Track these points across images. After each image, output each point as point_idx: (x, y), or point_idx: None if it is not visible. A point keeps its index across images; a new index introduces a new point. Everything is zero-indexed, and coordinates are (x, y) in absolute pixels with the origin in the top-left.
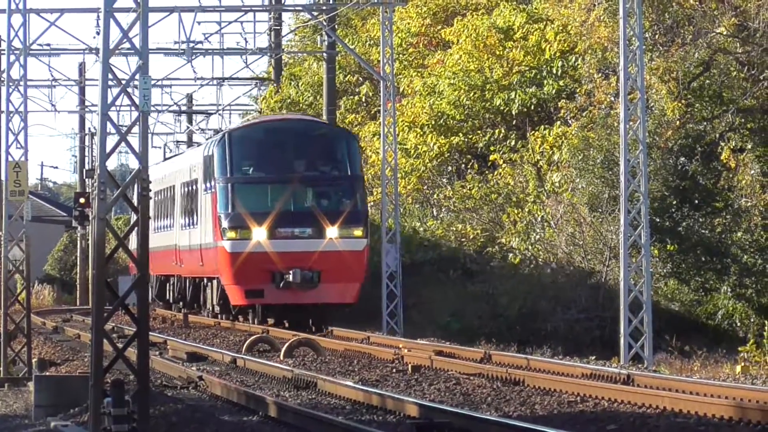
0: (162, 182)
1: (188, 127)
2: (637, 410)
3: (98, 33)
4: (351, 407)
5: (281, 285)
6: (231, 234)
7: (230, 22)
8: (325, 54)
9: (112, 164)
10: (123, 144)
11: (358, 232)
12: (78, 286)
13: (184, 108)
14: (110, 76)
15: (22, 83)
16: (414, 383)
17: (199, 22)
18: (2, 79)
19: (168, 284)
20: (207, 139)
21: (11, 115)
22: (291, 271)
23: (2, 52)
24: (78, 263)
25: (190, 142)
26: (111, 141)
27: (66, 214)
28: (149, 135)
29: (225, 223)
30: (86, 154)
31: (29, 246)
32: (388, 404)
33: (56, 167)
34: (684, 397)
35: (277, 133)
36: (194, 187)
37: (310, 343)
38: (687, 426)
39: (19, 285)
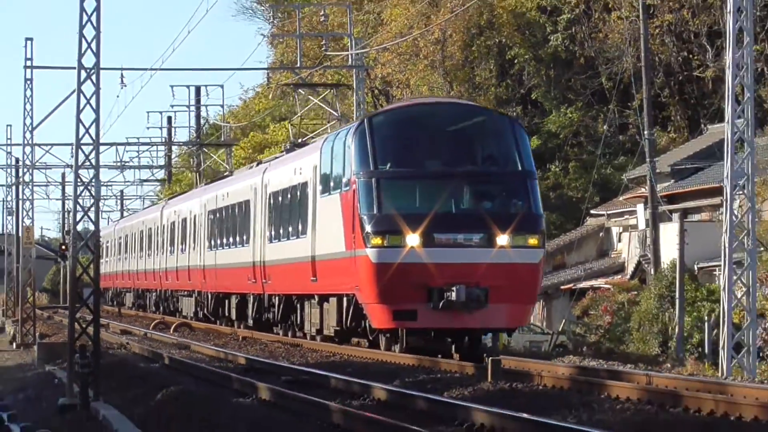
0: (224, 200)
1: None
2: (362, 360)
3: (72, 155)
4: (209, 359)
5: (440, 305)
6: (377, 240)
7: (144, 151)
8: (195, 169)
9: (80, 227)
10: (86, 217)
11: (533, 240)
12: (61, 294)
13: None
14: (79, 180)
15: (30, 186)
16: (243, 346)
17: (127, 151)
18: (19, 181)
19: (228, 302)
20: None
21: (24, 201)
22: (454, 288)
23: (19, 166)
24: (61, 281)
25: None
26: (79, 215)
27: (55, 254)
28: (100, 212)
29: (369, 227)
30: (66, 222)
31: (34, 271)
32: (229, 357)
33: (49, 229)
34: (381, 353)
35: (429, 118)
36: (298, 194)
37: (187, 324)
38: (386, 365)
39: (29, 293)
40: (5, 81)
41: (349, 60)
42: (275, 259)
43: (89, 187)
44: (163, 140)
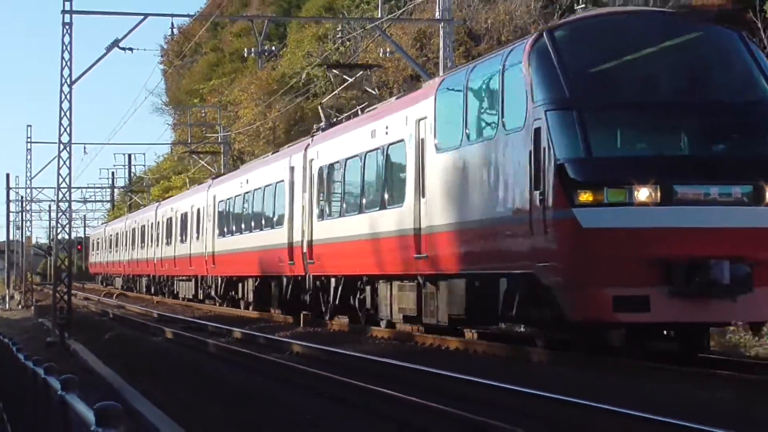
0: (242, 187)
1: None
2: (229, 315)
3: (55, 194)
4: (136, 314)
5: (690, 288)
6: (587, 195)
7: (98, 192)
8: (128, 203)
9: (59, 237)
10: (63, 231)
11: None
12: (48, 276)
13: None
14: (59, 210)
15: (29, 212)
16: (156, 306)
17: (87, 191)
18: (23, 209)
19: (243, 284)
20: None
21: (26, 221)
22: (714, 264)
23: (23, 200)
24: (48, 268)
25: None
26: (59, 230)
27: (44, 252)
28: (72, 228)
29: (576, 176)
30: (51, 233)
31: (32, 263)
32: (148, 313)
33: (40, 237)
34: (240, 311)
35: (632, 31)
36: (380, 159)
37: (122, 295)
38: (242, 318)
39: (29, 276)
40: (13, 150)
41: (219, 138)
42: (330, 237)
43: (65, 214)
44: (109, 185)
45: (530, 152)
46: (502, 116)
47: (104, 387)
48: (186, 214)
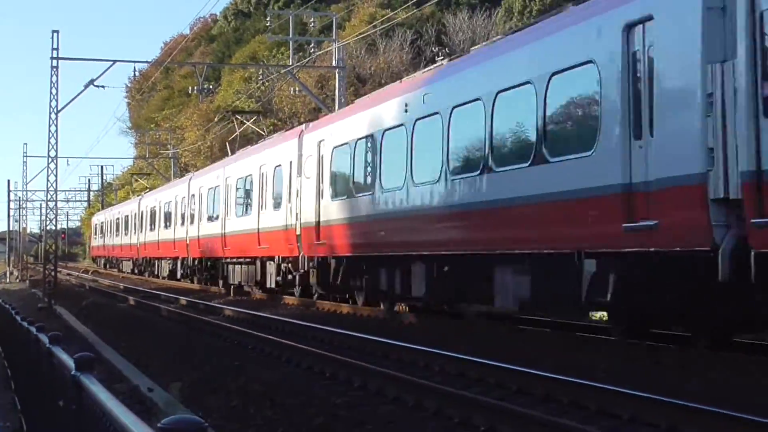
0: (417, 107)
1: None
2: (177, 287)
3: (45, 196)
4: (107, 286)
5: None
6: None
7: (78, 193)
8: (101, 203)
9: (48, 228)
10: (50, 222)
11: None
12: (40, 257)
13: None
14: (50, 207)
15: (26, 209)
16: (122, 281)
17: (69, 194)
18: (21, 206)
19: (396, 269)
20: None
21: (24, 216)
22: None
23: (20, 200)
24: (40, 251)
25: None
26: (48, 222)
27: (37, 239)
28: (57, 222)
29: None
30: (42, 225)
31: (26, 247)
32: (116, 285)
33: (34, 228)
34: (186, 284)
35: None
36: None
37: (97, 271)
38: (189, 289)
39: (25, 257)
40: (12, 161)
41: (170, 154)
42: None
43: (52, 210)
44: (86, 189)
45: None
46: None
47: (82, 341)
48: (248, 179)
